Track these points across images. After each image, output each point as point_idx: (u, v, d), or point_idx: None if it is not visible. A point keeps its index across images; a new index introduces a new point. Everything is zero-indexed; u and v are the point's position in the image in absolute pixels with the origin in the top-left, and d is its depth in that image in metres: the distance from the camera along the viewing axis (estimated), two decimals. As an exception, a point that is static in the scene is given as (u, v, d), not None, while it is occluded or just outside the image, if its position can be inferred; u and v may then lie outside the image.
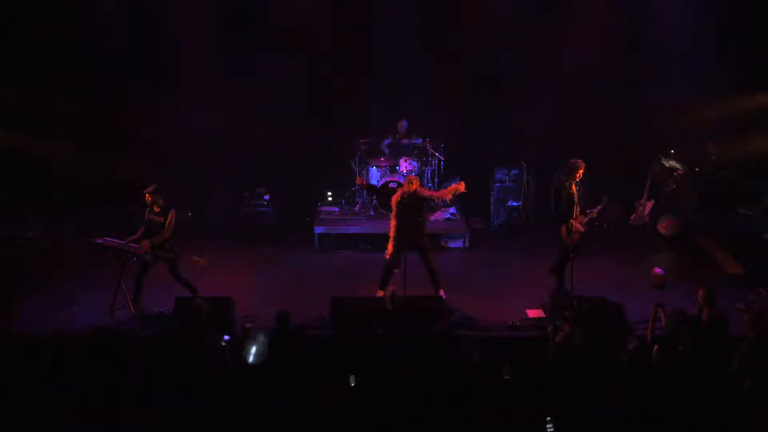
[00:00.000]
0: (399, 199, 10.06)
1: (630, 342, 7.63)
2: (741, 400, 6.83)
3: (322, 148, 13.84)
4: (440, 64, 13.79)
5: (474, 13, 13.59)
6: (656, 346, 7.73)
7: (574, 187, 9.95)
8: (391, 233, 10.09)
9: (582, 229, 10.03)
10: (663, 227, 12.85)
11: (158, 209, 9.86)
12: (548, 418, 6.48)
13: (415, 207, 10.02)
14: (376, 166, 13.31)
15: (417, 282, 10.08)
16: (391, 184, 12.75)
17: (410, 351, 7.71)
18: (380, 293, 9.82)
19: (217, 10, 13.59)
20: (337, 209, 13.59)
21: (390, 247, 10.07)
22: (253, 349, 8.12)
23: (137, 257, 9.84)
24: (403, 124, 13.49)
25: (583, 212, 10.07)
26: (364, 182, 12.36)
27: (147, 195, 9.83)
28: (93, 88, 13.39)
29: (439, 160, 13.44)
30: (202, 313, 8.26)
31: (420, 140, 13.40)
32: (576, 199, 9.96)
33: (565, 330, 7.79)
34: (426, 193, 10.23)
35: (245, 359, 7.98)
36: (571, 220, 9.94)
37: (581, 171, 9.96)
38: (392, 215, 10.12)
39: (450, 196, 10.33)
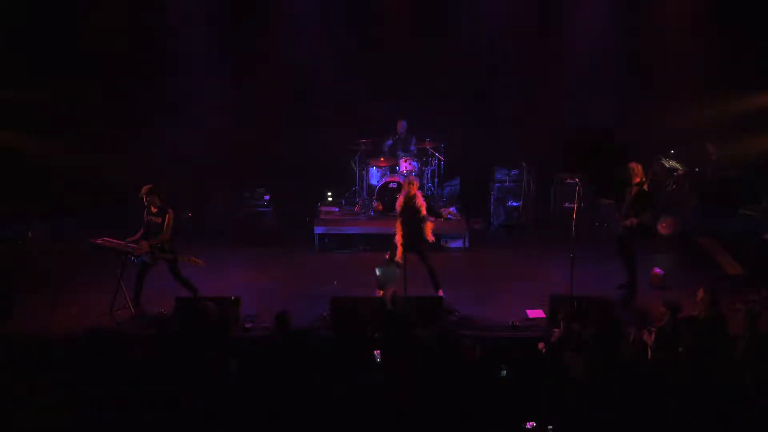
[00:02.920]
0: (402, 203, 10.10)
1: (627, 339, 7.64)
2: (741, 400, 6.84)
3: (322, 148, 13.83)
4: (440, 64, 13.81)
5: (474, 13, 13.61)
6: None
7: (632, 189, 10.08)
8: (398, 239, 10.09)
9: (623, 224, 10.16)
10: (663, 227, 12.84)
11: (156, 210, 9.85)
12: (550, 427, 6.47)
13: (414, 209, 10.05)
14: (376, 166, 13.31)
15: (417, 282, 10.08)
16: (391, 185, 12.77)
17: (410, 351, 7.73)
18: (380, 293, 9.84)
19: (218, 9, 13.60)
20: (337, 209, 13.57)
21: (398, 252, 10.04)
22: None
23: (136, 258, 9.85)
24: (402, 124, 13.49)
25: (632, 213, 10.09)
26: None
27: (142, 196, 9.84)
28: (93, 88, 13.38)
29: (439, 160, 13.44)
30: (209, 316, 8.26)
31: (417, 140, 13.40)
32: (629, 199, 10.09)
33: (562, 329, 7.81)
34: (421, 202, 10.16)
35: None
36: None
37: (629, 173, 10.07)
38: (398, 222, 10.12)
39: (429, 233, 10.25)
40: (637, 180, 10.07)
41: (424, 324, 8.61)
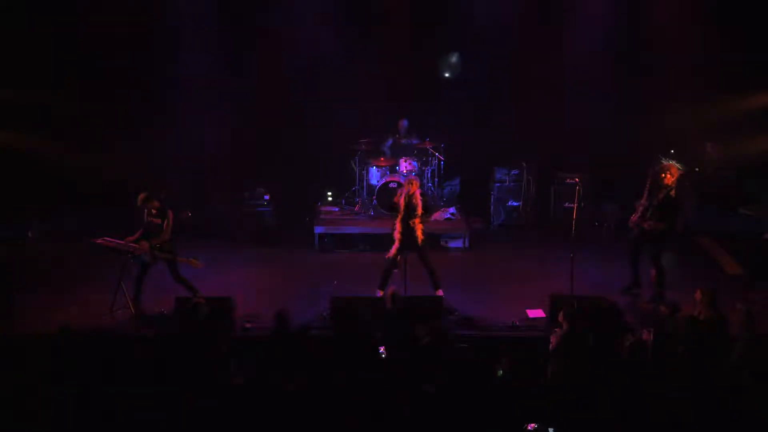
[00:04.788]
0: (402, 202, 10.10)
1: (626, 339, 7.64)
2: (741, 400, 6.84)
3: (322, 148, 13.83)
4: (441, 63, 13.81)
5: (474, 13, 13.62)
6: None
7: (661, 191, 9.93)
8: (396, 235, 10.10)
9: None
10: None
11: (156, 211, 9.87)
12: (550, 430, 6.46)
13: (413, 208, 10.05)
14: (376, 166, 13.32)
15: (417, 282, 10.08)
16: (391, 184, 12.77)
17: (410, 351, 7.74)
18: (380, 293, 9.84)
19: (217, 9, 13.61)
20: (337, 209, 13.58)
21: (394, 248, 10.07)
22: None
23: (136, 258, 9.85)
24: (403, 124, 13.50)
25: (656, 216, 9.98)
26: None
27: (139, 204, 9.84)
28: (92, 88, 13.38)
29: (439, 160, 13.44)
30: (199, 313, 8.25)
31: (417, 140, 13.40)
32: (656, 200, 9.97)
33: (565, 328, 7.81)
34: (419, 201, 10.15)
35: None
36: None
37: (661, 174, 9.91)
38: (398, 218, 10.12)
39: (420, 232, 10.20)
40: (669, 182, 9.86)
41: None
